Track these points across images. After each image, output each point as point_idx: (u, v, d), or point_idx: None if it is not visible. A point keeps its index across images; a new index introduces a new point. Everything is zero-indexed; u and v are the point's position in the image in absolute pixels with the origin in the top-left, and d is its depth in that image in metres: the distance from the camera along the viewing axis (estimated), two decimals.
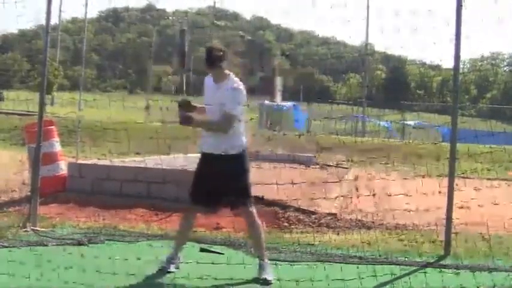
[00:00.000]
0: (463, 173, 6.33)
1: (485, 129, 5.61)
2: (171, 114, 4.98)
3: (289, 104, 31.90)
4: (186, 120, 4.66)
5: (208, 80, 4.82)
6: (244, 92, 4.78)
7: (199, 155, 4.90)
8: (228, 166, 4.66)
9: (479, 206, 5.08)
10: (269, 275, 4.67)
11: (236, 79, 4.78)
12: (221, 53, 4.72)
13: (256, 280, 4.64)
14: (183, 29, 5.40)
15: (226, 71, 4.77)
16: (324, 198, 7.22)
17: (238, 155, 4.73)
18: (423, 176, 5.36)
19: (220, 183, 4.68)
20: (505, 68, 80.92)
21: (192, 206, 4.88)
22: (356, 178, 10.66)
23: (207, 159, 4.79)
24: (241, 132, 4.81)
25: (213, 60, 4.69)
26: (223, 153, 4.66)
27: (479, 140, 5.23)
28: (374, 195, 5.06)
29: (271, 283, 4.61)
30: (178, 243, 4.97)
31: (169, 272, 4.75)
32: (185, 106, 4.75)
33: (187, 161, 8.30)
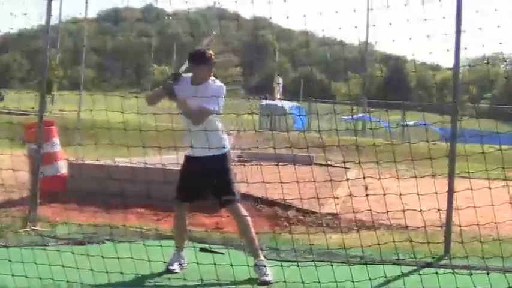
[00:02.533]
0: (464, 173, 6.33)
1: (485, 129, 5.59)
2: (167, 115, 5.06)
3: (289, 104, 31.89)
4: (171, 92, 4.79)
5: (184, 82, 4.88)
6: (225, 89, 4.87)
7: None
8: (211, 166, 4.78)
9: (479, 206, 5.07)
10: (267, 275, 4.66)
11: (215, 79, 4.91)
12: (206, 54, 4.88)
13: (255, 281, 4.64)
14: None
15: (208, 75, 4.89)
16: (324, 198, 7.21)
17: (220, 156, 4.85)
18: (423, 176, 5.35)
19: (204, 182, 4.83)
20: (505, 68, 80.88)
21: (181, 204, 5.00)
22: (356, 178, 10.66)
23: (190, 161, 4.92)
24: (222, 132, 4.94)
25: (199, 59, 4.84)
26: (205, 155, 4.77)
27: (479, 140, 5.22)
28: (374, 194, 5.06)
29: (271, 283, 4.60)
30: (178, 242, 5.00)
31: (174, 273, 4.76)
32: (175, 80, 4.85)
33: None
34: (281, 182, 4.91)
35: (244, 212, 4.87)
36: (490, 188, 5.05)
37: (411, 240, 5.11)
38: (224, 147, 4.90)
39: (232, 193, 4.84)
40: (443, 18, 5.25)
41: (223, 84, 4.92)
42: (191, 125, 4.79)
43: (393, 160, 5.08)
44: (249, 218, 4.89)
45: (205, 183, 4.85)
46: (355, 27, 5.17)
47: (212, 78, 4.91)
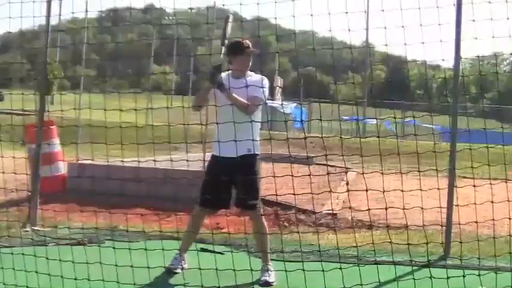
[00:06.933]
0: (463, 173, 6.33)
1: (486, 129, 5.59)
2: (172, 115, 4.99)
3: (290, 104, 31.84)
4: (220, 85, 4.56)
5: (224, 79, 4.71)
6: (267, 81, 4.76)
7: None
8: (240, 166, 4.65)
9: (479, 205, 5.07)
10: (270, 277, 4.66)
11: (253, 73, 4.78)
12: (243, 44, 4.76)
13: (257, 281, 4.64)
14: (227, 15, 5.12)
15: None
16: (324, 197, 7.20)
17: (251, 156, 4.70)
18: (423, 176, 5.34)
19: (231, 184, 4.69)
20: (505, 68, 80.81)
21: (202, 208, 4.87)
22: (356, 178, 10.67)
23: (220, 162, 4.74)
24: (257, 133, 4.76)
25: (235, 49, 4.72)
26: (237, 156, 4.63)
27: (479, 140, 5.22)
28: (374, 194, 5.05)
29: (272, 285, 4.60)
30: (185, 245, 4.97)
31: (175, 273, 4.76)
32: (218, 71, 4.62)
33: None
34: (280, 176, 4.86)
35: (264, 220, 4.80)
36: (489, 187, 5.05)
37: (411, 240, 5.09)
38: (256, 148, 4.71)
39: (256, 198, 4.72)
40: (443, 17, 5.25)
41: (264, 76, 4.78)
42: (233, 119, 4.50)
43: (393, 159, 5.07)
44: (266, 227, 4.83)
45: (231, 185, 4.69)
46: (356, 30, 5.11)
47: (250, 73, 4.78)
